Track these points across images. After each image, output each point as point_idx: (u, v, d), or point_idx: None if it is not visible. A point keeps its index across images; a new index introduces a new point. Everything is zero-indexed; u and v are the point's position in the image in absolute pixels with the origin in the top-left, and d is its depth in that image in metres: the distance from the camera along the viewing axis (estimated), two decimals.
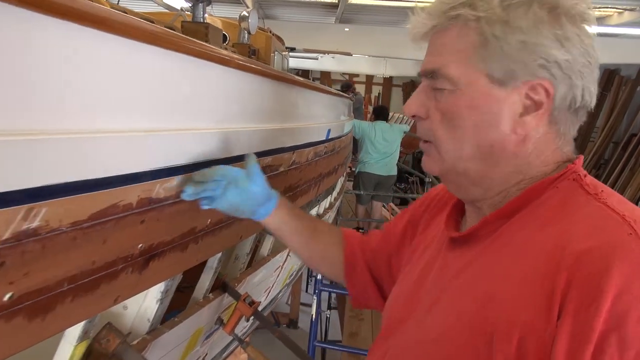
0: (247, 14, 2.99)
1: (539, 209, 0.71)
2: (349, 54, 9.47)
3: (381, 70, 12.76)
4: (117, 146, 0.82)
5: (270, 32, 3.94)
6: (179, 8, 4.58)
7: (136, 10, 2.58)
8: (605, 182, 0.78)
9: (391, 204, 7.91)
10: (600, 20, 8.53)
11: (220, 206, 1.00)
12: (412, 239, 0.99)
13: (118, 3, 2.54)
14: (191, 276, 1.61)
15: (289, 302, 6.43)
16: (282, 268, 2.62)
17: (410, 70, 12.74)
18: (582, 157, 0.77)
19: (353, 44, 8.62)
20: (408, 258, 0.96)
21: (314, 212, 2.95)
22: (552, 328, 0.60)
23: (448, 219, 0.86)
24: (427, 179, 7.13)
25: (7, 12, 0.59)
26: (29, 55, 0.64)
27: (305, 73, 13.75)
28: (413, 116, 0.79)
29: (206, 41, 2.29)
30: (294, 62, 10.56)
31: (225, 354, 2.46)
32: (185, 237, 1.15)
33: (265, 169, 1.53)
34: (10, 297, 0.70)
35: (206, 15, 2.38)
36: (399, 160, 6.39)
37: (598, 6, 7.83)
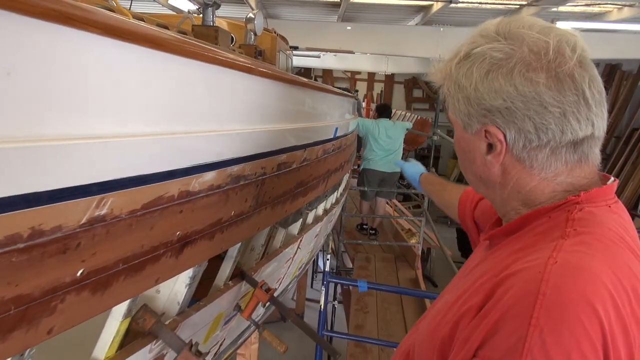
0: (253, 16, 3.09)
1: (526, 235, 0.80)
2: (351, 52, 9.57)
3: (383, 67, 12.85)
4: (162, 147, 0.96)
5: (275, 32, 4.04)
6: (187, 10, 4.69)
7: (144, 13, 2.66)
8: None
9: (394, 200, 8.05)
10: (600, 17, 8.61)
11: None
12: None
13: (130, 8, 2.66)
14: (209, 271, 1.74)
15: (295, 298, 6.59)
16: (292, 260, 2.75)
17: (412, 67, 12.83)
18: (606, 186, 0.82)
19: (355, 42, 8.71)
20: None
21: (321, 207, 3.08)
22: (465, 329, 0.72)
23: (491, 225, 0.99)
24: None
25: (82, 37, 0.72)
26: (99, 73, 0.78)
27: (307, 71, 13.86)
28: None
29: (216, 44, 2.42)
30: (297, 61, 10.66)
31: (240, 341, 2.60)
32: (213, 227, 1.29)
33: (279, 166, 1.67)
34: (81, 273, 0.83)
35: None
36: (402, 157, 6.50)
37: (598, 2, 7.93)
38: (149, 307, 1.34)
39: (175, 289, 1.43)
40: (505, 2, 7.88)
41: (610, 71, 10.80)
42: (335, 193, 3.60)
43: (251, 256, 2.05)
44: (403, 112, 13.08)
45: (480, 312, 0.71)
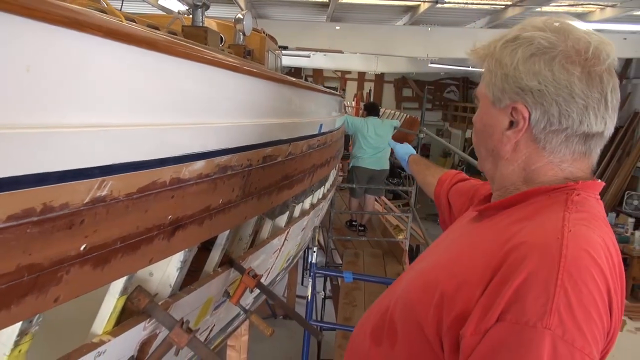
0: (242, 17, 3.18)
1: (525, 208, 0.90)
2: (340, 52, 9.68)
3: (373, 67, 12.97)
4: (155, 136, 1.07)
5: (264, 32, 4.13)
6: (177, 11, 4.77)
7: (134, 13, 2.74)
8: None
9: (383, 197, 8.17)
10: (583, 17, 8.78)
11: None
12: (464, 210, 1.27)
13: (121, 9, 2.75)
14: (197, 262, 1.85)
15: (286, 295, 6.69)
16: (279, 251, 2.87)
17: (401, 67, 12.98)
18: (597, 182, 0.93)
19: (344, 42, 8.82)
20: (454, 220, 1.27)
21: (308, 201, 3.19)
22: (478, 298, 0.79)
23: (480, 201, 1.11)
24: None
25: (92, 41, 0.83)
26: (105, 71, 0.89)
27: (297, 71, 13.96)
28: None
29: (205, 44, 2.53)
30: (287, 60, 10.73)
31: (230, 329, 2.71)
32: (202, 213, 1.40)
33: (265, 159, 1.78)
34: (84, 248, 0.94)
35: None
36: (391, 155, 6.60)
37: (581, 2, 8.11)
38: (143, 288, 1.45)
39: (167, 271, 1.54)
40: (490, 2, 8.04)
41: None
42: (322, 188, 3.71)
43: (239, 245, 2.16)
44: (392, 111, 13.23)
45: (496, 278, 0.78)
